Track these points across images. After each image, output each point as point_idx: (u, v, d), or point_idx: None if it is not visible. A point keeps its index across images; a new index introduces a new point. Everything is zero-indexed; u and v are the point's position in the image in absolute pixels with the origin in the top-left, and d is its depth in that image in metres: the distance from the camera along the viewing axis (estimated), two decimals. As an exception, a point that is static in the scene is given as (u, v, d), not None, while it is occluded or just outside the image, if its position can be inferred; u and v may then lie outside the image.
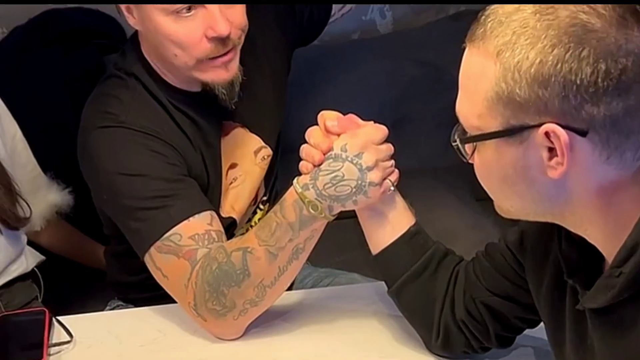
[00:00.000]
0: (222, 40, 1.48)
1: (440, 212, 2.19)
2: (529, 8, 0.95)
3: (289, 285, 1.48)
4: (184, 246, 1.44)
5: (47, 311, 1.52)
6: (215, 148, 1.63)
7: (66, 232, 2.02)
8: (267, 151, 1.72)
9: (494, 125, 0.98)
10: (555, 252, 1.12)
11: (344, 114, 1.38)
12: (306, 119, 1.40)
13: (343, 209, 1.37)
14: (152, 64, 1.57)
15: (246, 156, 1.69)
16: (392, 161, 1.38)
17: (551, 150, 0.95)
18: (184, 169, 1.54)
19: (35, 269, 1.81)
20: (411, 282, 1.39)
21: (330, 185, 1.34)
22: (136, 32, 1.57)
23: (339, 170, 1.33)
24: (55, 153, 1.91)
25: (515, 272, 1.28)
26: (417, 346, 1.43)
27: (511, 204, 1.06)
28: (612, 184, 0.97)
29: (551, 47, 0.92)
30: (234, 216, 1.68)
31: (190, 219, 1.46)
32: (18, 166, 1.78)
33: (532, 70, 0.92)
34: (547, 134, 0.94)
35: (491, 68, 0.95)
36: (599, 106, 0.92)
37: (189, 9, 1.45)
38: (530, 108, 0.94)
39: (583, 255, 1.07)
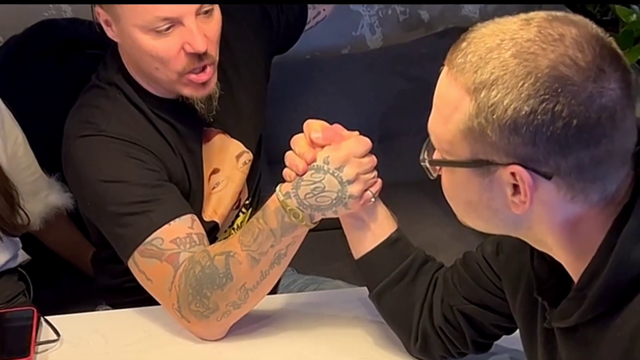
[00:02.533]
0: (199, 56, 1.52)
1: (424, 224, 2.21)
2: (509, 49, 0.94)
3: (271, 288, 1.50)
4: (166, 250, 1.48)
5: (35, 310, 1.55)
6: (197, 154, 1.66)
7: (65, 233, 2.03)
8: (249, 156, 1.75)
9: (462, 155, 0.99)
10: (528, 267, 1.13)
11: (331, 124, 1.41)
12: (295, 130, 1.42)
13: (324, 217, 1.41)
14: (132, 74, 1.61)
15: (228, 161, 1.72)
16: (375, 172, 1.40)
17: (515, 187, 0.96)
18: (164, 175, 1.57)
19: (19, 268, 1.84)
20: (391, 287, 1.42)
21: (311, 195, 1.37)
22: (116, 43, 1.61)
23: (320, 181, 1.36)
24: (49, 162, 1.93)
25: (491, 282, 1.30)
26: (397, 350, 1.45)
27: (474, 223, 1.07)
28: (576, 217, 0.98)
29: (527, 97, 0.91)
30: (217, 220, 1.71)
31: (171, 223, 1.49)
32: (19, 169, 1.80)
33: (505, 116, 0.92)
34: (512, 174, 0.95)
35: (466, 103, 0.95)
36: (567, 157, 0.93)
37: (168, 28, 1.49)
38: (499, 149, 0.95)
39: (553, 272, 1.08)
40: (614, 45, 0.97)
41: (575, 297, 1.02)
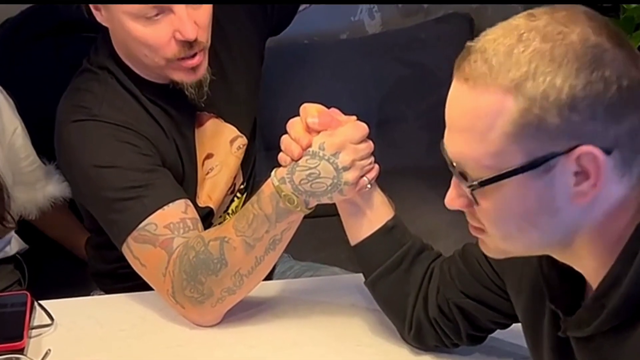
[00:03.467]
0: (190, 43, 1.50)
1: (422, 211, 2.20)
2: (534, 38, 0.92)
3: (266, 274, 1.50)
4: (160, 235, 1.47)
5: (29, 294, 1.54)
6: (189, 139, 1.65)
7: (62, 222, 2.03)
8: (243, 140, 1.74)
9: (514, 161, 0.93)
10: (530, 274, 1.11)
11: (328, 108, 1.40)
12: (292, 116, 1.40)
13: (319, 203, 1.40)
14: (122, 58, 1.59)
15: (222, 146, 1.71)
16: (371, 158, 1.39)
17: (577, 175, 0.93)
18: (158, 159, 1.56)
19: (18, 255, 1.83)
20: (386, 275, 1.41)
21: (306, 181, 1.36)
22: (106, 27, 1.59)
23: (315, 167, 1.35)
24: (45, 147, 1.92)
25: (489, 280, 1.28)
26: (393, 337, 1.45)
27: (522, 241, 1.00)
28: (618, 204, 0.96)
29: (576, 71, 0.90)
30: (211, 206, 1.70)
31: (165, 208, 1.48)
32: (17, 159, 1.80)
33: (562, 96, 0.90)
34: (578, 158, 0.91)
35: (509, 103, 0.91)
36: (622, 124, 0.92)
37: (157, 15, 1.47)
38: (560, 135, 0.91)
39: (564, 278, 1.06)
40: None
41: (592, 307, 0.99)
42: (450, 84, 0.99)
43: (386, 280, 1.41)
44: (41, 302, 1.55)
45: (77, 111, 1.56)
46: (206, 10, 1.52)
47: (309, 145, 1.36)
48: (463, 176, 0.97)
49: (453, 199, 1.02)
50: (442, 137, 1.01)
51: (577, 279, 1.04)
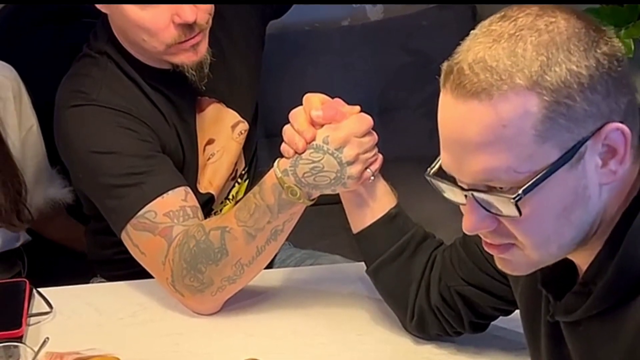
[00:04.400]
0: (189, 26, 1.49)
1: (424, 199, 2.17)
2: (530, 35, 0.91)
3: (267, 263, 1.49)
4: (160, 223, 1.46)
5: (27, 282, 1.53)
6: (190, 124, 1.64)
7: (61, 227, 2.02)
8: (244, 125, 1.72)
9: (550, 159, 0.91)
10: None
11: (331, 97, 1.38)
12: (293, 103, 1.39)
13: (321, 194, 1.39)
14: (122, 43, 1.58)
15: (223, 131, 1.69)
16: (375, 150, 1.38)
17: (604, 155, 0.92)
18: (157, 146, 1.55)
19: (20, 247, 1.83)
20: (388, 264, 1.40)
21: (309, 174, 1.35)
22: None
23: (319, 161, 1.34)
24: (45, 132, 1.91)
25: (490, 266, 1.26)
26: (394, 326, 1.44)
27: (558, 243, 0.97)
28: (622, 183, 0.95)
29: (584, 52, 0.90)
30: (212, 192, 1.69)
31: (164, 195, 1.47)
32: (25, 157, 1.79)
33: (583, 78, 0.89)
34: (605, 137, 0.91)
35: (533, 99, 0.89)
36: (626, 96, 0.93)
37: None
38: (587, 119, 0.90)
39: (557, 263, 1.04)
40: None
41: (579, 292, 0.99)
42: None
43: (388, 269, 1.40)
44: (40, 289, 1.54)
45: (76, 96, 1.55)
46: None
47: (313, 139, 1.34)
48: (493, 191, 0.93)
49: (476, 222, 0.97)
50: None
51: (569, 266, 1.04)
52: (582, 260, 1.00)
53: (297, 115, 1.36)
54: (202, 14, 1.50)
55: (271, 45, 1.86)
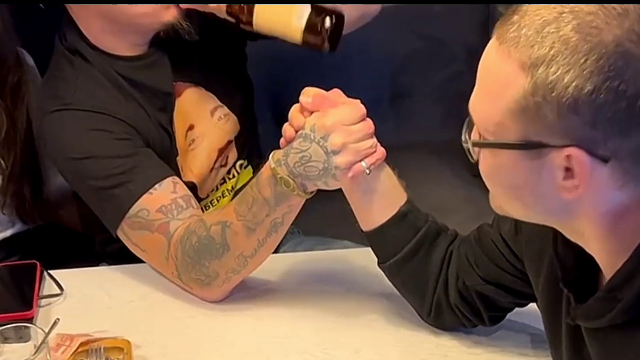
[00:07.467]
0: None
1: (435, 186, 2.19)
2: (569, 22, 0.87)
3: (270, 253, 1.47)
4: (155, 220, 1.45)
5: (38, 264, 1.54)
6: (169, 111, 1.61)
7: (71, 210, 2.00)
8: (224, 110, 1.68)
9: (511, 136, 0.92)
10: (550, 253, 1.09)
11: (337, 87, 1.34)
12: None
13: (317, 188, 1.35)
14: (91, 38, 1.56)
15: (202, 116, 1.66)
16: (372, 141, 1.31)
17: (567, 170, 0.90)
18: (138, 141, 1.53)
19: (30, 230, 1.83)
20: (403, 263, 1.37)
21: (299, 164, 1.32)
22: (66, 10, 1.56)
23: (306, 150, 1.30)
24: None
25: (508, 262, 1.26)
26: (407, 313, 1.43)
27: (512, 208, 1.01)
28: (621, 208, 0.93)
29: (589, 74, 0.85)
30: (193, 180, 1.65)
31: (152, 191, 1.47)
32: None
33: (566, 94, 0.86)
34: (568, 156, 0.89)
35: (520, 80, 0.89)
36: (628, 140, 0.88)
37: None
38: (554, 130, 0.88)
39: (580, 262, 1.04)
40: None
41: (605, 298, 0.97)
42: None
43: (404, 268, 1.37)
44: (51, 271, 1.55)
45: (53, 102, 1.54)
46: None
47: (300, 127, 1.31)
48: (471, 127, 0.98)
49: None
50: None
51: (592, 265, 1.01)
52: (605, 262, 0.98)
53: (292, 107, 1.34)
54: None
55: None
